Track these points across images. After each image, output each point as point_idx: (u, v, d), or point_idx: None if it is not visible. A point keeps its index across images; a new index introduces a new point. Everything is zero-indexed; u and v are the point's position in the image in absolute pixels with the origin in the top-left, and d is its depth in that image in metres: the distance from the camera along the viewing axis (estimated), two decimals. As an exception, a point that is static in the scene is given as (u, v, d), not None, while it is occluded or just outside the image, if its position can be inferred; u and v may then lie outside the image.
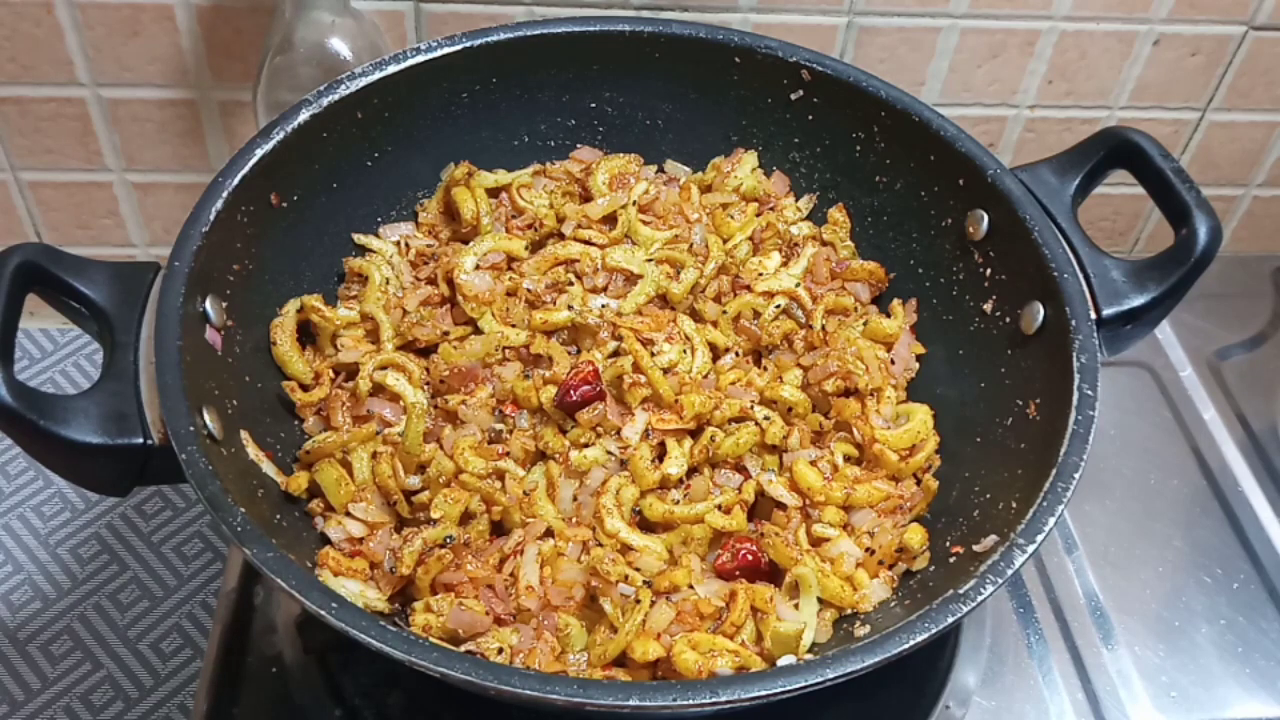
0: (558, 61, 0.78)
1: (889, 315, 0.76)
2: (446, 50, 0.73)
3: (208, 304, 0.63)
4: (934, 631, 0.52)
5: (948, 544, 0.63)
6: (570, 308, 0.71)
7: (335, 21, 0.78)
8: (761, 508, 0.68)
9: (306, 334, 0.71)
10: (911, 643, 0.52)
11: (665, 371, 0.69)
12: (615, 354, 0.70)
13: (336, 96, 0.70)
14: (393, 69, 0.72)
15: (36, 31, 0.86)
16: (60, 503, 0.90)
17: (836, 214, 0.80)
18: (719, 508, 0.65)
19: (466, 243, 0.75)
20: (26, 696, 0.81)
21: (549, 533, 0.64)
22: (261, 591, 0.72)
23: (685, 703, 0.49)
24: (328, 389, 0.69)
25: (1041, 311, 0.66)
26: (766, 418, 0.68)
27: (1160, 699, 0.73)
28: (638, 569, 0.62)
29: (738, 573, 0.64)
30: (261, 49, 0.80)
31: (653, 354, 0.70)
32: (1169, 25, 0.93)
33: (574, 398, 0.67)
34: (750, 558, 0.64)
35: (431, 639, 0.57)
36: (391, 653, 0.49)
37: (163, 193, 0.96)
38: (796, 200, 0.82)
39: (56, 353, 0.99)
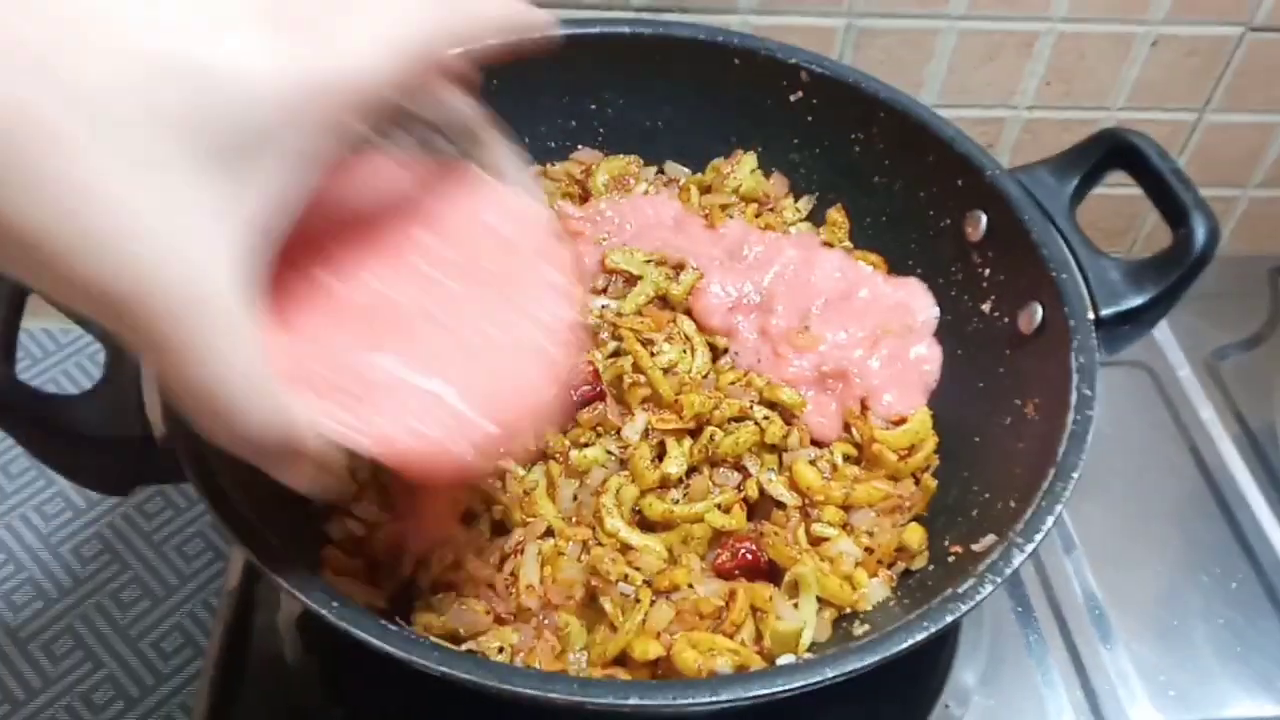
0: (558, 63, 0.78)
1: (888, 315, 0.76)
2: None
3: (210, 304, 0.63)
4: (933, 630, 0.52)
5: (946, 543, 0.64)
6: (570, 308, 0.72)
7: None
8: (761, 507, 0.68)
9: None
10: (911, 642, 0.52)
11: (665, 371, 0.70)
12: (615, 354, 0.71)
13: (338, 98, 0.70)
14: (393, 70, 0.72)
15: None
16: (62, 502, 0.90)
17: (835, 215, 0.80)
18: (719, 507, 0.66)
19: (467, 243, 0.75)
20: (28, 695, 0.81)
21: (549, 532, 0.65)
22: (263, 591, 0.72)
23: (685, 701, 0.50)
24: (329, 389, 0.69)
25: (1040, 312, 0.66)
26: (766, 417, 0.69)
27: (1158, 698, 0.73)
28: (638, 568, 0.63)
29: (737, 572, 0.64)
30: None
31: (653, 354, 0.70)
32: (1167, 26, 0.93)
33: (574, 398, 0.67)
34: (750, 557, 0.64)
35: (432, 638, 0.58)
36: (393, 652, 0.50)
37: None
38: (796, 201, 0.82)
39: (58, 353, 0.99)
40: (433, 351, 0.46)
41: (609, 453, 0.67)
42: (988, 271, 0.72)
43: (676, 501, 0.66)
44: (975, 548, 0.60)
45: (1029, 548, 0.55)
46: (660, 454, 0.68)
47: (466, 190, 0.51)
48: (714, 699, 0.50)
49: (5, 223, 0.31)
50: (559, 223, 0.54)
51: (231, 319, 0.35)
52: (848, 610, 0.64)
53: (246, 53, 0.34)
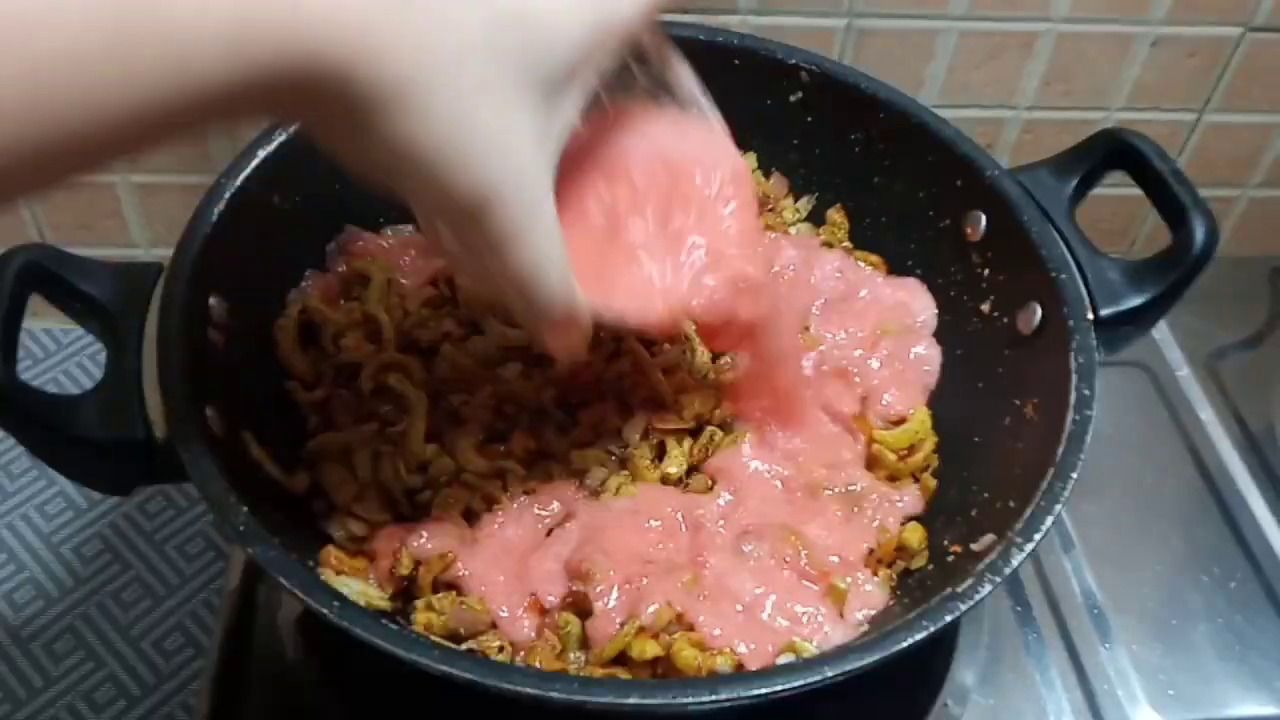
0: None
1: (888, 316, 0.76)
2: (448, 52, 0.74)
3: (210, 304, 0.63)
4: (932, 630, 0.52)
5: (946, 543, 0.64)
6: (571, 308, 0.72)
7: (337, 23, 0.78)
8: (761, 507, 0.68)
9: (308, 334, 0.72)
10: (910, 641, 0.52)
11: (665, 372, 0.70)
12: (615, 354, 0.71)
13: (338, 98, 0.70)
14: (394, 71, 0.72)
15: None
16: (63, 502, 0.91)
17: (835, 215, 0.80)
18: (718, 507, 0.66)
19: (467, 243, 0.75)
20: (29, 695, 0.81)
21: (550, 532, 0.65)
22: (264, 590, 0.72)
23: (685, 700, 0.50)
24: (330, 388, 0.69)
25: (1039, 312, 0.66)
26: (766, 417, 0.69)
27: (1158, 697, 0.73)
28: (638, 568, 0.63)
29: (737, 571, 0.64)
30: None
31: (653, 354, 0.70)
32: (1167, 27, 0.93)
33: (575, 398, 0.67)
34: (749, 557, 0.64)
35: (433, 637, 0.58)
36: (394, 651, 0.50)
37: (166, 193, 0.96)
38: (796, 201, 0.82)
39: (59, 352, 1.00)
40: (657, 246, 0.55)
41: (609, 453, 0.67)
42: (987, 272, 0.72)
43: (676, 501, 0.66)
44: (974, 547, 0.60)
45: (1028, 547, 0.55)
46: (660, 454, 0.68)
47: (648, 123, 0.57)
48: (714, 698, 0.50)
49: (400, 140, 0.39)
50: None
51: (551, 217, 0.45)
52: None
53: (557, 1, 0.42)
